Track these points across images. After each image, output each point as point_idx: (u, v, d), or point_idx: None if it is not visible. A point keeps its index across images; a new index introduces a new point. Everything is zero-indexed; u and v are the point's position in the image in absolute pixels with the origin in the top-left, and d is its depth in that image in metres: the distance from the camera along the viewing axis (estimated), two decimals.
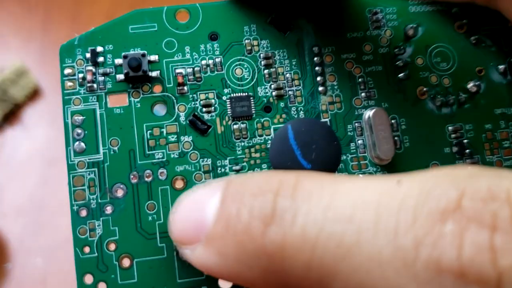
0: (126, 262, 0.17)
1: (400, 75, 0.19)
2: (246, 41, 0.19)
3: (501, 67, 0.20)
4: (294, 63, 0.19)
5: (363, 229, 0.11)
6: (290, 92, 0.19)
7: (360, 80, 0.19)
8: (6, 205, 0.51)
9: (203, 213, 0.14)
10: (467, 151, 0.19)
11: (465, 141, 0.19)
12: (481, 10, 0.20)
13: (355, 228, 0.12)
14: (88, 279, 0.17)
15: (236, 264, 0.13)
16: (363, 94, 0.19)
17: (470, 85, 0.20)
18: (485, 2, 0.19)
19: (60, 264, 0.48)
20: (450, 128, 0.19)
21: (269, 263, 0.13)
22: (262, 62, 0.19)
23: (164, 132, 0.18)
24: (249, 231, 0.13)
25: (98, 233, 0.17)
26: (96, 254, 0.17)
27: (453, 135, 0.19)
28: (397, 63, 0.20)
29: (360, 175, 0.19)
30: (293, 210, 0.13)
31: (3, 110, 0.56)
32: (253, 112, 0.19)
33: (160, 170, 0.18)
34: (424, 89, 0.19)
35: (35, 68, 0.59)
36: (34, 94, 0.58)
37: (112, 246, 0.17)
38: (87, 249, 0.17)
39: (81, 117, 0.18)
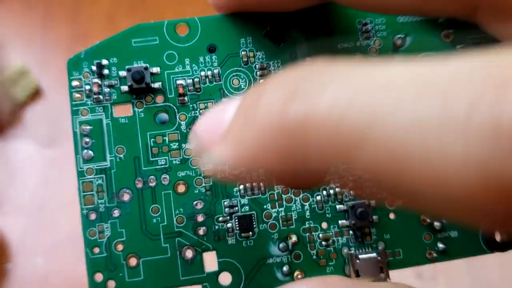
0: (133, 261, 0.19)
1: None
2: (243, 52, 0.20)
3: None
4: None
5: (402, 95, 0.10)
6: None
7: None
8: (7, 205, 0.52)
9: (222, 118, 0.13)
10: None
11: None
12: (466, 21, 0.21)
13: (393, 96, 0.10)
14: (98, 277, 0.18)
15: (253, 148, 0.12)
16: None
17: None
18: (465, 17, 0.20)
19: (61, 264, 0.48)
20: None
21: (288, 143, 0.11)
22: (258, 73, 0.20)
23: (167, 140, 0.19)
24: (268, 113, 0.12)
25: (106, 235, 0.19)
26: (105, 254, 0.18)
27: None
28: None
29: None
30: (319, 86, 0.11)
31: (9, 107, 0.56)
32: None
33: (163, 176, 0.19)
34: None
35: (35, 68, 0.60)
36: (35, 94, 0.59)
37: (120, 247, 0.19)
38: (96, 250, 0.18)
39: (89, 127, 0.19)
